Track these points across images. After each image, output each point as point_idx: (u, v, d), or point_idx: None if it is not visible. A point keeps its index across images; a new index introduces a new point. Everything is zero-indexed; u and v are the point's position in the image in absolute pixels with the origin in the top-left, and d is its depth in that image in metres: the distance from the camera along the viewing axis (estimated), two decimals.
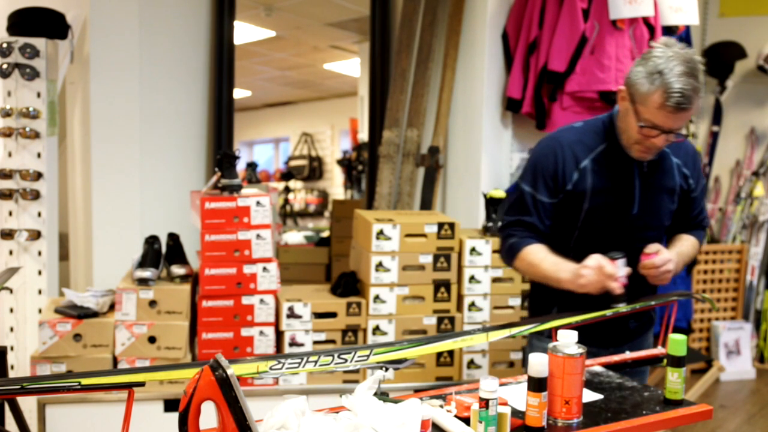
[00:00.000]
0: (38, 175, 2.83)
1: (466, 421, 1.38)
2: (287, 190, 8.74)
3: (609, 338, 2.06)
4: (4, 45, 2.82)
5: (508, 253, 2.04)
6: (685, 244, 2.08)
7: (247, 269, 2.50)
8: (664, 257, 1.89)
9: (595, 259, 1.83)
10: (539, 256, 1.95)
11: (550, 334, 2.03)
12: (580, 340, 1.45)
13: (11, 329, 2.85)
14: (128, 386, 1.34)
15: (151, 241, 2.67)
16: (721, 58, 4.69)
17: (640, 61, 1.83)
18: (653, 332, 2.20)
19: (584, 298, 1.88)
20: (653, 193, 2.00)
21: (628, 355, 1.91)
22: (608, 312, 1.86)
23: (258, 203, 2.50)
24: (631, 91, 1.84)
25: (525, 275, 2.09)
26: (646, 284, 1.98)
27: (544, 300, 2.09)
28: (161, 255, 2.67)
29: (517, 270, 2.06)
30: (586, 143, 1.99)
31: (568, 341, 1.43)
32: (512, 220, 2.04)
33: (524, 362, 2.23)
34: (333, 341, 2.63)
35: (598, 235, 1.99)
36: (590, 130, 2.02)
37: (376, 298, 2.64)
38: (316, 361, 1.48)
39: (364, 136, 6.18)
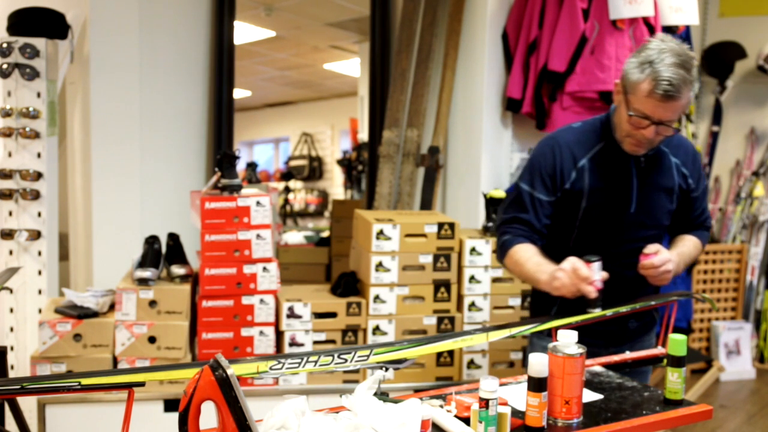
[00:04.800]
0: (38, 175, 2.83)
1: (466, 421, 1.38)
2: (287, 190, 8.73)
3: (609, 338, 2.05)
4: (4, 45, 2.82)
5: (500, 250, 2.04)
6: (687, 244, 2.08)
7: (247, 269, 2.50)
8: (663, 257, 1.87)
9: (570, 262, 1.80)
10: (525, 255, 1.94)
11: (551, 333, 2.03)
12: (580, 340, 1.45)
13: (11, 329, 2.85)
14: (128, 386, 1.34)
15: (151, 241, 2.67)
16: (721, 58, 4.68)
17: (635, 54, 1.85)
18: (655, 333, 2.20)
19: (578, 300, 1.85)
20: (651, 191, 1.99)
21: (628, 355, 1.91)
22: (608, 312, 1.86)
23: (258, 203, 2.50)
24: (623, 82, 1.86)
25: (513, 274, 2.08)
26: (647, 284, 1.97)
27: (545, 300, 2.07)
28: (161, 255, 2.67)
29: (506, 268, 2.05)
30: (583, 143, 1.99)
31: (568, 341, 1.43)
32: (508, 217, 2.04)
33: (524, 362, 2.22)
34: (333, 341, 2.63)
35: (596, 235, 1.99)
36: (588, 129, 2.03)
37: (376, 298, 2.64)
38: (316, 361, 1.48)
39: (364, 136, 6.17)
